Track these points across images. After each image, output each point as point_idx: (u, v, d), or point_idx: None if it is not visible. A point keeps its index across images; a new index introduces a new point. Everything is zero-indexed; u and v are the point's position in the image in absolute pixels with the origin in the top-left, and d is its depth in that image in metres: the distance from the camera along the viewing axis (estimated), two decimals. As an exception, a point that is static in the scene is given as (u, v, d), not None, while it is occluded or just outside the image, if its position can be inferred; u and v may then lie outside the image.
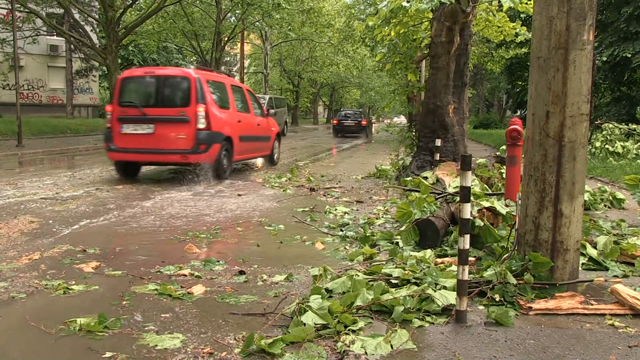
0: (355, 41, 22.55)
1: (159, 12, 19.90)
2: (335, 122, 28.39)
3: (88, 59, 25.48)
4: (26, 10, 18.00)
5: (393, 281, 3.37)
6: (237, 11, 23.07)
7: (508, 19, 9.66)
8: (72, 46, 23.16)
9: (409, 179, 6.80)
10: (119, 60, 21.87)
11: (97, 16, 20.82)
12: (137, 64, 31.48)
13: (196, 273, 3.82)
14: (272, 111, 11.90)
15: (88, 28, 20.90)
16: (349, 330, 2.72)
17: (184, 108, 8.29)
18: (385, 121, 33.66)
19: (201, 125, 8.21)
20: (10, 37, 15.40)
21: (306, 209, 6.42)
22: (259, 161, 12.05)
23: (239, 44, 30.32)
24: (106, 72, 20.64)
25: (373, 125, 33.28)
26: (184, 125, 8.22)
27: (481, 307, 3.07)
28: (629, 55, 14.00)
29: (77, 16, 20.43)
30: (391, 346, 2.55)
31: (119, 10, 18.04)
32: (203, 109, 8.24)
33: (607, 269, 3.81)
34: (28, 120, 18.75)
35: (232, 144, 9.03)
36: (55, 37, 26.69)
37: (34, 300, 3.27)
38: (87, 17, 20.82)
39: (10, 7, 15.04)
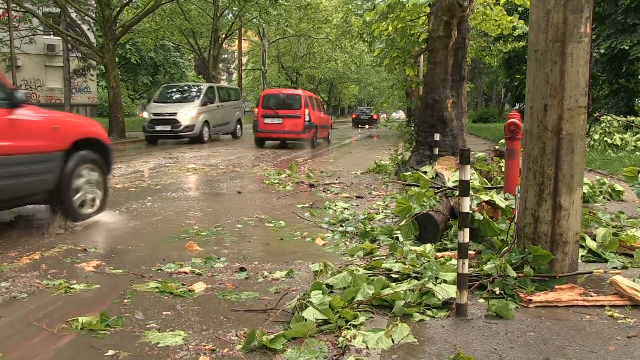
0: (353, 37, 22.55)
1: (156, 10, 19.84)
2: (354, 116, 39.78)
3: (85, 58, 25.42)
4: (22, 9, 17.93)
5: (393, 276, 3.38)
6: (234, 8, 23.02)
7: (505, 12, 9.66)
8: (69, 45, 23.09)
9: (408, 173, 6.81)
10: (117, 59, 21.84)
11: (94, 15, 20.74)
12: (135, 62, 31.47)
13: (197, 270, 3.83)
14: (212, 105, 16.91)
15: (85, 27, 20.83)
16: (350, 325, 2.74)
17: (297, 110, 15.53)
18: (382, 116, 35.04)
19: (306, 119, 15.52)
20: (7, 37, 15.39)
21: (306, 205, 6.43)
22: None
23: (236, 41, 30.26)
24: (104, 71, 20.61)
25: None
26: (297, 119, 15.48)
27: (481, 301, 3.08)
28: (627, 48, 13.97)
29: (73, 15, 20.38)
30: (392, 340, 2.57)
31: (116, 9, 17.97)
32: (307, 111, 15.57)
33: (606, 261, 3.83)
34: (26, 120, 18.70)
35: (317, 129, 16.58)
36: (52, 37, 26.64)
37: (35, 299, 3.28)
38: (83, 16, 20.75)
39: (6, 7, 15.00)
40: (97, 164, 5.51)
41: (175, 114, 16.25)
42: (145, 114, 17.08)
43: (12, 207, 4.97)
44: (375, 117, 36.37)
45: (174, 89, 18.59)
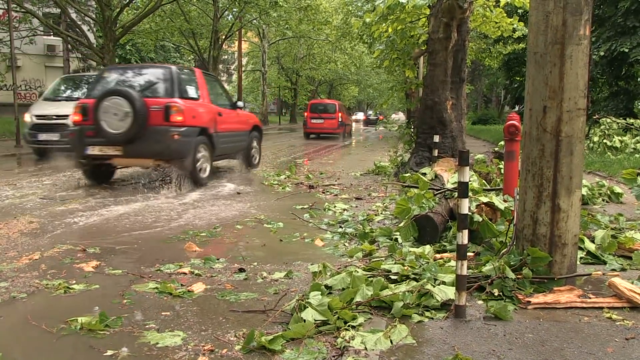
0: (353, 38, 22.69)
1: (156, 11, 19.86)
2: (364, 118, 51.10)
3: (85, 59, 25.45)
4: (23, 10, 17.95)
5: (392, 277, 3.38)
6: (234, 9, 23.05)
7: (505, 14, 9.68)
8: (69, 46, 23.11)
9: (407, 175, 6.82)
10: (117, 60, 21.84)
11: (94, 15, 20.76)
12: (135, 62, 31.45)
13: (196, 271, 3.83)
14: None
15: (85, 27, 20.84)
16: (348, 326, 2.74)
17: (334, 114, 23.05)
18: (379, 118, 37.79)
19: (339, 120, 23.02)
20: (7, 37, 15.38)
21: (305, 206, 6.43)
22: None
23: (236, 42, 30.27)
24: (104, 71, 20.56)
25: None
26: (334, 120, 22.94)
27: (480, 302, 3.09)
28: (627, 50, 13.99)
29: (74, 16, 20.39)
30: (391, 341, 2.57)
31: (116, 9, 17.98)
32: (341, 114, 23.33)
33: (605, 263, 3.84)
34: (26, 120, 18.70)
35: (345, 126, 24.57)
36: (52, 37, 26.62)
37: (34, 300, 3.28)
38: (84, 17, 20.77)
39: (6, 7, 15.00)
40: (258, 139, 10.61)
41: (66, 116, 10.34)
42: (27, 117, 11.68)
43: (232, 157, 9.67)
44: (381, 117, 41.24)
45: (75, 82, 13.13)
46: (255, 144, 10.33)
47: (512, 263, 3.30)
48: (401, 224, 4.55)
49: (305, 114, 23.94)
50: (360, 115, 54.43)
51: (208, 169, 8.10)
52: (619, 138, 11.87)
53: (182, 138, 7.32)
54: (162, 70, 7.99)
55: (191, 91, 8.08)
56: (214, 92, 8.94)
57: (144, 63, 26.90)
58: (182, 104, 7.47)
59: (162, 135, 7.20)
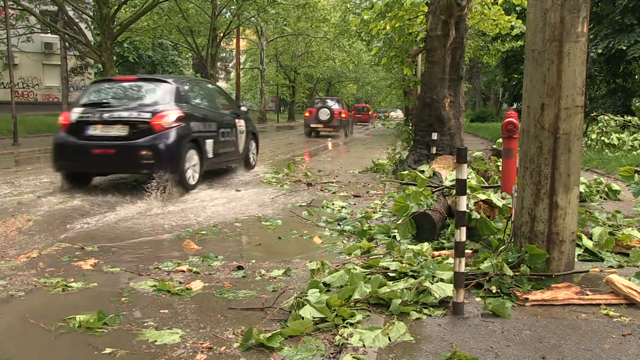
0: (351, 36, 22.50)
1: (154, 9, 19.80)
2: (375, 115, 52.62)
3: (83, 57, 25.32)
4: (19, 7, 17.88)
5: (390, 274, 3.39)
6: (232, 7, 22.99)
7: (503, 12, 9.66)
8: (66, 44, 23.03)
9: (405, 172, 6.82)
10: (115, 58, 21.78)
11: (91, 13, 20.69)
12: (133, 60, 31.39)
13: (194, 269, 3.83)
14: None
15: (82, 25, 20.76)
16: (347, 323, 2.75)
17: (366, 113, 42.43)
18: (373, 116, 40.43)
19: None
20: (4, 35, 15.31)
21: (304, 204, 6.44)
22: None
23: (234, 40, 30.22)
24: (102, 69, 20.56)
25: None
26: (366, 115, 42.12)
27: (478, 299, 3.09)
28: (624, 48, 14.00)
29: (71, 13, 20.31)
30: (389, 338, 2.58)
31: (114, 7, 17.92)
32: (373, 114, 38.86)
33: (602, 260, 3.85)
34: (24, 118, 18.68)
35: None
36: (49, 35, 26.52)
37: (33, 298, 3.29)
38: (81, 14, 20.69)
39: (3, 5, 14.95)
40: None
41: None
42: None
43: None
44: (387, 115, 43.69)
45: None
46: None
47: (510, 260, 3.31)
48: (399, 222, 4.55)
49: (351, 112, 27.95)
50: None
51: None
52: (617, 135, 11.88)
53: None
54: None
55: None
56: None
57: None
58: None
59: None
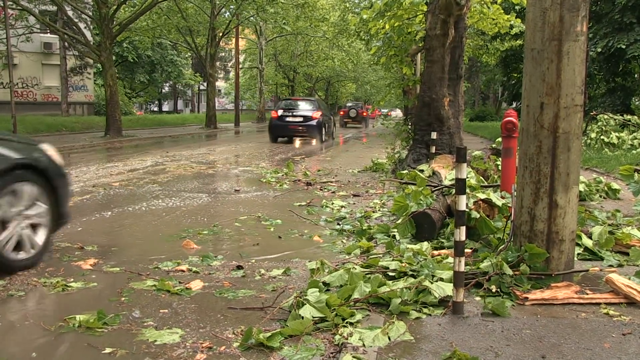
0: (350, 35, 22.51)
1: (153, 8, 19.81)
2: (372, 115, 52.24)
3: (82, 56, 25.33)
4: (19, 7, 17.87)
5: (390, 274, 3.39)
6: (232, 6, 23.00)
7: (502, 11, 9.67)
8: (66, 43, 23.05)
9: (405, 172, 6.82)
10: (114, 57, 21.78)
11: (90, 13, 20.68)
12: (132, 60, 31.39)
13: (194, 268, 3.83)
14: None
15: (82, 25, 20.75)
16: (346, 323, 2.75)
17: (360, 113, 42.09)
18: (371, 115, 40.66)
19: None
20: (3, 35, 15.30)
21: (303, 204, 6.44)
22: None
23: (233, 39, 30.20)
24: (101, 69, 20.55)
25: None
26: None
27: (478, 298, 3.09)
28: (624, 47, 14.01)
29: (70, 13, 20.30)
30: (389, 338, 2.58)
31: (113, 7, 17.92)
32: (372, 114, 41.40)
33: (602, 259, 3.85)
34: (23, 118, 18.67)
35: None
36: (49, 35, 26.53)
37: (32, 298, 3.28)
38: (80, 14, 20.68)
39: (2, 5, 14.94)
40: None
41: None
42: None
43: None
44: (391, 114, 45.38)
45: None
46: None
47: (509, 259, 3.31)
48: (399, 221, 4.55)
49: (376, 113, 33.77)
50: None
51: None
52: (616, 134, 11.88)
53: None
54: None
55: None
56: None
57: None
58: None
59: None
